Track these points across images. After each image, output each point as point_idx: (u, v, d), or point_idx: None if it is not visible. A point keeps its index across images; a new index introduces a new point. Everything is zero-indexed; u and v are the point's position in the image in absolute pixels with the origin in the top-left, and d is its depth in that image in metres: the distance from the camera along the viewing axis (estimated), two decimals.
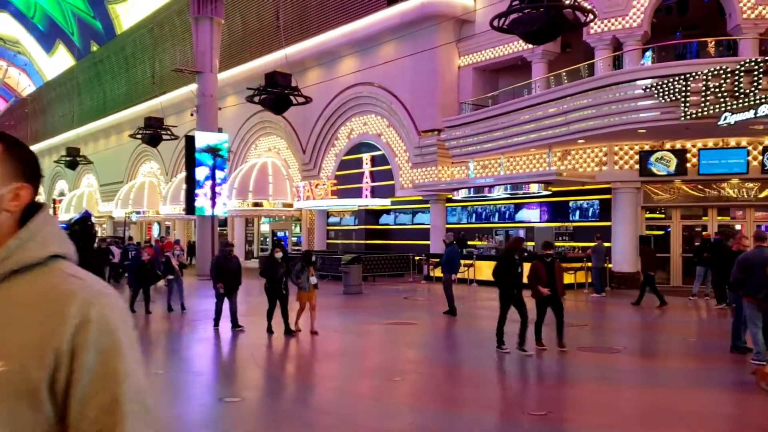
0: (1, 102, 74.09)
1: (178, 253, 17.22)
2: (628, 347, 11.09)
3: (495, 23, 16.48)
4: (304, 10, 33.55)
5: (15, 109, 73.08)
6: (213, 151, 28.85)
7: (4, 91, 72.27)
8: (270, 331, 12.18)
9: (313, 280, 12.12)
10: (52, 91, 65.25)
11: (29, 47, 70.72)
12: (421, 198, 26.59)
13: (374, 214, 29.74)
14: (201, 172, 28.30)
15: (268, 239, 36.69)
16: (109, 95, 53.81)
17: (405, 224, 28.31)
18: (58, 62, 66.63)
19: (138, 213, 43.00)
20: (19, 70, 73.60)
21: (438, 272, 23.19)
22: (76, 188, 54.90)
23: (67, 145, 49.75)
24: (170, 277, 16.08)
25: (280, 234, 36.75)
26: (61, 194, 58.12)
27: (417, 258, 24.94)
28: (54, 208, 55.76)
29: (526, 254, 11.19)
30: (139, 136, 33.08)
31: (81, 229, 12.04)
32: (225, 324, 12.94)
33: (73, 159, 42.50)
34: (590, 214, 21.97)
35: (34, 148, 62.57)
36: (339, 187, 30.40)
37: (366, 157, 29.41)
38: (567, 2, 15.55)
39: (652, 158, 20.04)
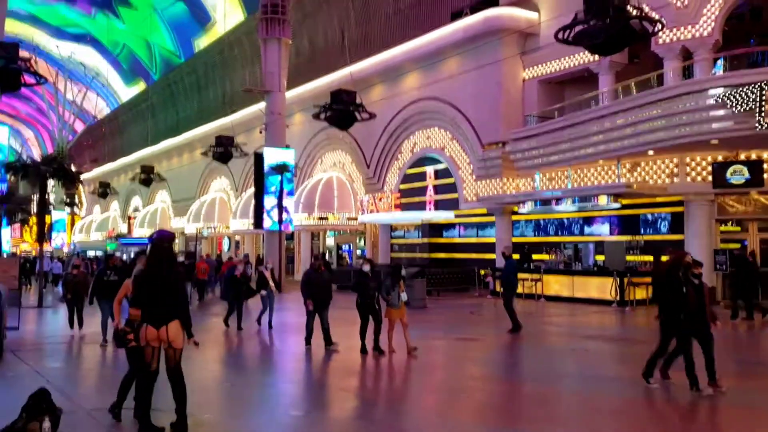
0: (78, 123, 77.80)
1: (270, 267, 16.64)
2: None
3: (560, 36, 16.40)
4: (369, 29, 34.09)
5: (93, 129, 76.54)
6: (280, 167, 29.57)
7: (82, 113, 75.86)
8: (364, 350, 11.44)
9: (404, 296, 11.49)
10: (127, 111, 68.17)
11: (110, 78, 74.13)
12: (485, 211, 26.46)
13: (438, 228, 29.74)
14: (269, 188, 29.03)
15: (329, 253, 37.14)
16: (181, 115, 55.80)
17: (469, 238, 28.20)
18: (135, 90, 69.69)
19: (209, 228, 44.31)
20: (95, 94, 77.05)
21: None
22: (150, 204, 56.95)
23: (142, 163, 51.81)
24: (263, 292, 15.24)
25: (344, 247, 37.18)
26: (136, 210, 60.41)
27: (482, 272, 24.78)
28: (129, 224, 58.04)
29: (695, 273, 8.84)
30: (211, 153, 34.18)
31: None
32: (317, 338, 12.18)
33: (148, 176, 44.28)
34: (662, 228, 21.38)
35: (110, 166, 65.50)
36: (403, 200, 30.56)
37: (429, 170, 29.50)
38: (634, 13, 15.34)
39: (727, 169, 19.36)
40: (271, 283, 15.38)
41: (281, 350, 13.18)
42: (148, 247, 6.66)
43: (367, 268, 11.79)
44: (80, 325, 14.32)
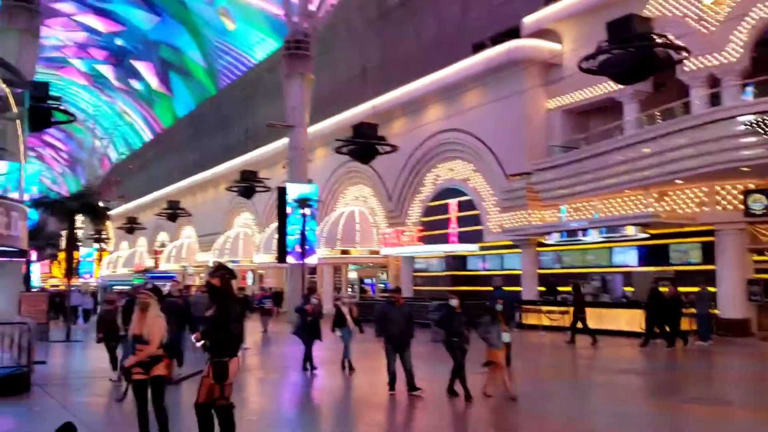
0: (108, 158, 79.42)
1: (348, 301, 14.56)
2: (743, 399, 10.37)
3: (584, 65, 16.35)
4: (390, 63, 34.40)
5: (120, 165, 77.87)
6: (303, 201, 29.68)
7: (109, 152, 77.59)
8: (452, 392, 10.28)
9: (506, 336, 10.32)
10: (153, 148, 69.31)
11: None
12: (510, 243, 26.18)
13: (462, 260, 29.49)
14: (292, 222, 29.10)
15: (356, 286, 36.95)
16: (207, 150, 56.53)
17: (494, 270, 27.87)
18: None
19: (233, 262, 44.45)
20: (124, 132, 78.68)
21: (530, 318, 22.61)
22: (176, 239, 57.43)
23: (168, 198, 52.39)
24: (338, 333, 13.59)
25: (367, 281, 36.98)
26: (162, 245, 60.93)
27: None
28: (155, 258, 58.51)
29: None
30: (235, 188, 34.48)
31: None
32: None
33: (174, 211, 44.76)
34: (692, 258, 20.92)
35: (137, 202, 66.34)
36: (425, 233, 30.40)
37: (452, 202, 29.37)
38: (658, 41, 15.24)
39: (758, 197, 18.94)
40: (350, 320, 13.53)
41: (360, 397, 11.40)
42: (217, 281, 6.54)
43: (455, 302, 10.61)
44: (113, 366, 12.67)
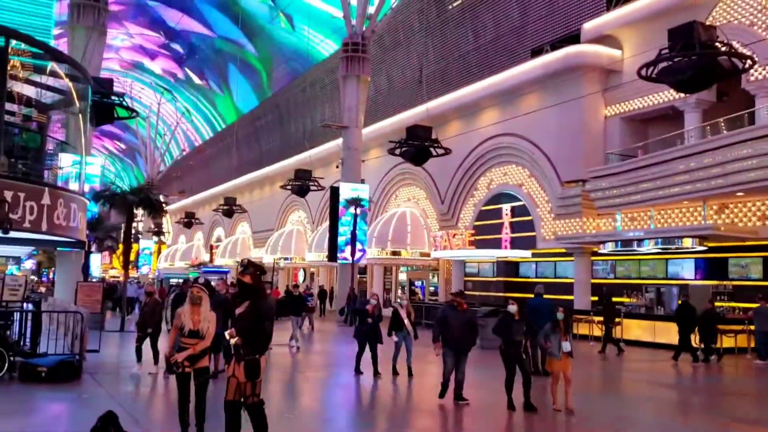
0: (171, 153, 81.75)
1: (406, 302, 13.56)
2: None
3: (643, 72, 15.93)
4: (446, 66, 34.27)
5: (181, 161, 79.94)
6: (355, 201, 29.88)
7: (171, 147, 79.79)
8: (511, 407, 9.77)
9: (567, 346, 9.70)
10: (214, 145, 70.86)
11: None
12: (564, 250, 25.74)
13: (514, 266, 29.14)
14: (343, 222, 29.35)
15: (406, 288, 36.95)
16: (264, 148, 57.52)
17: (547, 277, 27.44)
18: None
19: (285, 259, 45.10)
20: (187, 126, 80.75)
21: (581, 328, 22.17)
22: (232, 235, 58.61)
23: (225, 194, 53.52)
24: (395, 338, 12.96)
25: (417, 283, 36.92)
26: (218, 240, 62.29)
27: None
28: (211, 253, 59.88)
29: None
30: (289, 187, 34.97)
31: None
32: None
33: (230, 208, 45.63)
34: (752, 273, 20.15)
35: (196, 197, 67.99)
36: (477, 237, 30.18)
37: (506, 207, 29.05)
38: (722, 49, 14.72)
39: None
40: (407, 323, 12.89)
41: (408, 402, 11.26)
42: (249, 278, 6.53)
43: (513, 308, 10.11)
44: (155, 358, 12.66)
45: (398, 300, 13.77)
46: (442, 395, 10.29)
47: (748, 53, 15.89)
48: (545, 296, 14.72)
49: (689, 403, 11.99)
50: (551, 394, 9.94)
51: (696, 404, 12.01)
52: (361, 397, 11.69)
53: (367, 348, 13.03)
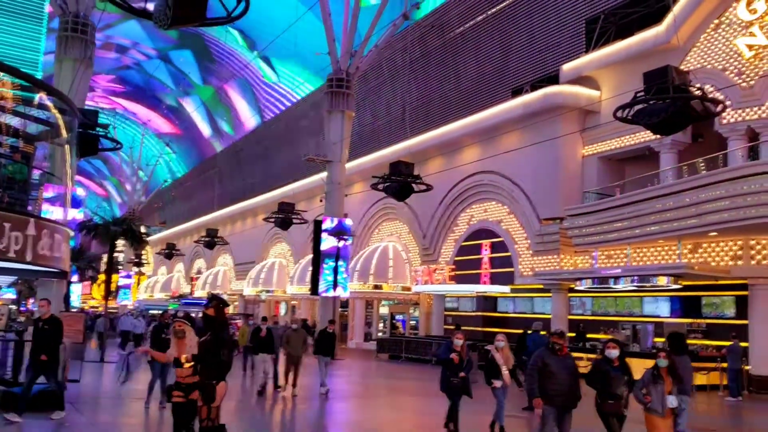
0: (152, 184, 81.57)
1: (503, 344, 10.82)
2: None
3: (619, 114, 16.44)
4: (429, 103, 34.96)
5: (163, 192, 79.73)
6: (338, 235, 30.06)
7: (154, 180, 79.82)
8: None
9: (673, 401, 7.95)
10: (195, 177, 70.94)
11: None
12: (542, 286, 26.07)
13: (492, 301, 29.40)
14: (326, 255, 29.47)
15: (387, 322, 36.96)
16: (247, 181, 57.72)
17: (524, 312, 27.71)
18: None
19: (267, 292, 44.98)
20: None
21: None
22: (213, 267, 58.35)
23: (207, 226, 53.46)
24: (497, 383, 10.48)
25: (398, 317, 36.99)
26: (199, 272, 61.93)
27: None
28: (191, 285, 59.51)
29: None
30: (272, 219, 35.10)
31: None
32: None
33: (212, 239, 45.55)
34: (725, 311, 20.57)
35: (177, 228, 67.76)
36: (457, 272, 30.45)
37: (485, 243, 29.42)
38: (695, 93, 15.27)
39: None
40: (505, 371, 10.49)
41: None
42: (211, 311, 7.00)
43: (614, 353, 8.19)
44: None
45: (496, 343, 10.81)
46: None
47: (721, 97, 16.52)
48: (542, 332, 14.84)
49: None
50: None
51: None
52: None
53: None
